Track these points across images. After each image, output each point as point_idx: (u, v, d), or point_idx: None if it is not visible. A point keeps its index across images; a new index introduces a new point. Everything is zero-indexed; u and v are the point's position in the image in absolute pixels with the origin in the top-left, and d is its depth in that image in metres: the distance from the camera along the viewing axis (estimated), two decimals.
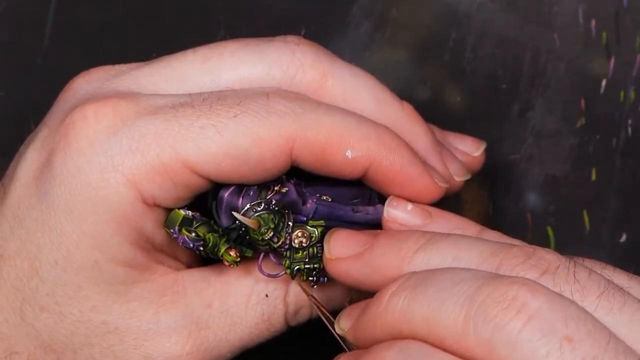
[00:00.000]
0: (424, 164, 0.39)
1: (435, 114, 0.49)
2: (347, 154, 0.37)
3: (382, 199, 0.39)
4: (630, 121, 0.50)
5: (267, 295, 0.39)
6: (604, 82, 0.49)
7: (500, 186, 0.50)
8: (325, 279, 0.38)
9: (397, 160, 0.38)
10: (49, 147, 0.38)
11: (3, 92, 0.49)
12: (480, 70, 0.49)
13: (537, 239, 0.51)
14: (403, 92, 0.49)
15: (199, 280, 0.39)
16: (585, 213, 0.50)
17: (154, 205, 0.37)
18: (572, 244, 0.51)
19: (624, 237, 0.51)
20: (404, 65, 0.49)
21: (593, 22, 0.49)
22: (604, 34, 0.49)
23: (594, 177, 0.50)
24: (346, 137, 0.37)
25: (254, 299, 0.39)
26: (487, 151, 0.47)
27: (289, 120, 0.37)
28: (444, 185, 0.40)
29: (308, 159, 0.37)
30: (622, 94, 0.49)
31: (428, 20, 0.49)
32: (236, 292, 0.39)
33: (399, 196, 0.39)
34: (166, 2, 0.49)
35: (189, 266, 0.40)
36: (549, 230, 0.51)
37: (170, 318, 0.38)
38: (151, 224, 0.37)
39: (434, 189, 0.39)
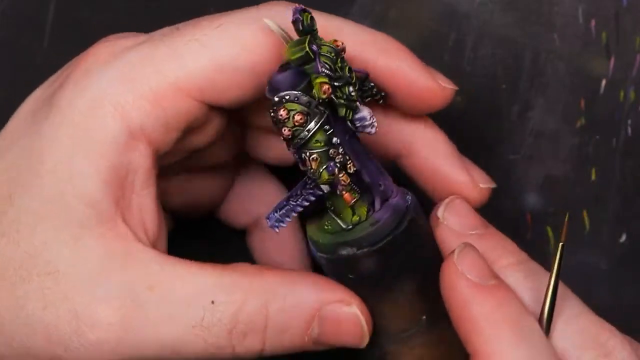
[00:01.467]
0: (427, 67, 0.38)
1: (435, 114, 0.49)
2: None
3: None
4: (630, 121, 0.50)
5: (212, 302, 0.36)
6: (603, 82, 0.49)
7: (500, 186, 0.50)
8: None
9: (393, 61, 0.37)
10: (54, 85, 0.38)
11: (3, 92, 0.49)
12: (480, 70, 0.49)
13: (537, 239, 0.51)
14: None
15: (152, 260, 0.36)
16: (585, 213, 0.50)
17: (143, 139, 0.36)
18: (572, 244, 0.51)
19: (624, 237, 0.51)
20: None
21: (593, 22, 0.49)
22: (604, 34, 0.49)
23: (593, 177, 0.50)
24: (338, 35, 0.36)
25: (200, 299, 0.36)
26: (487, 151, 0.47)
27: (277, 19, 0.36)
28: (450, 87, 0.39)
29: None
30: (621, 93, 0.49)
31: (428, 20, 0.49)
32: (183, 286, 0.36)
33: (402, 104, 0.38)
34: (166, 1, 0.49)
35: (154, 246, 0.38)
36: (549, 230, 0.51)
37: (108, 284, 0.35)
38: (133, 164, 0.36)
39: (438, 90, 0.38)
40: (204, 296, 0.36)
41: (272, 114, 0.35)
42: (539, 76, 0.49)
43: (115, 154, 0.36)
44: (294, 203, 0.36)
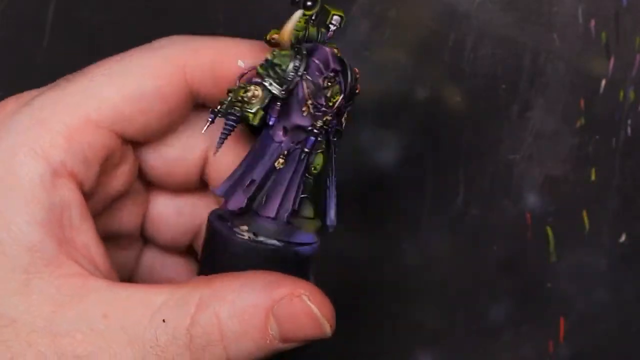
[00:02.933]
0: None
1: (435, 114, 0.49)
2: (239, 63, 0.37)
3: None
4: (629, 121, 0.50)
5: (164, 321, 0.35)
6: (603, 82, 0.49)
7: (500, 186, 0.50)
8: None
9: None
10: None
11: (3, 92, 0.49)
12: (480, 70, 0.49)
13: (537, 239, 0.51)
14: (403, 92, 0.50)
15: (104, 288, 0.36)
16: (584, 213, 0.50)
17: (67, 175, 0.36)
18: (571, 244, 0.51)
19: (623, 237, 0.51)
20: (403, 65, 0.49)
21: (593, 22, 0.49)
22: (604, 34, 0.49)
23: (593, 177, 0.50)
24: (234, 48, 0.37)
25: (152, 320, 0.35)
26: (487, 151, 0.47)
27: (176, 48, 0.37)
28: None
29: (204, 80, 0.37)
30: (621, 93, 0.49)
31: (428, 20, 0.49)
32: (136, 309, 0.36)
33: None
34: (166, 2, 0.49)
35: (105, 276, 0.37)
36: (549, 230, 0.51)
37: (66, 320, 0.35)
38: (65, 201, 0.36)
39: None
40: (156, 316, 0.35)
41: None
42: (538, 76, 0.49)
43: (45, 194, 0.36)
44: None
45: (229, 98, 0.36)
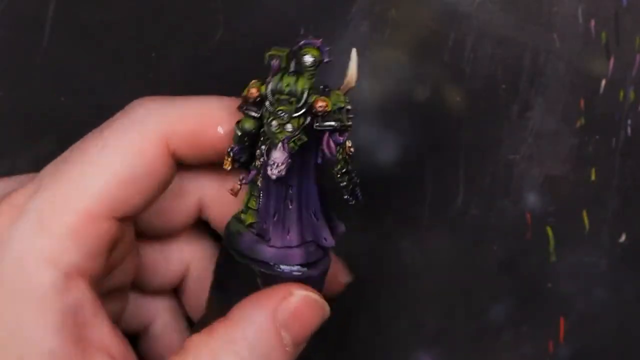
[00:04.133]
0: None
1: (435, 114, 0.49)
2: (218, 130, 0.38)
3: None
4: (629, 121, 0.50)
5: None
6: (603, 82, 0.49)
7: (500, 186, 0.50)
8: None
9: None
10: None
11: (3, 92, 0.49)
12: (479, 70, 0.49)
13: (537, 239, 0.51)
14: (402, 92, 0.50)
15: None
16: (584, 213, 0.50)
17: (78, 275, 0.36)
18: (571, 244, 0.51)
19: (623, 237, 0.51)
20: (403, 65, 0.49)
21: (592, 22, 0.49)
22: (604, 34, 0.49)
23: (593, 177, 0.50)
24: (213, 115, 0.38)
25: None
26: (487, 151, 0.47)
27: (155, 120, 0.37)
28: None
29: (186, 149, 0.38)
30: (621, 93, 0.49)
31: (427, 20, 0.49)
32: None
33: None
34: (166, 1, 0.49)
35: None
36: (549, 230, 0.51)
37: None
38: (78, 301, 0.36)
39: None
40: None
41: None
42: (538, 76, 0.49)
43: (59, 299, 0.36)
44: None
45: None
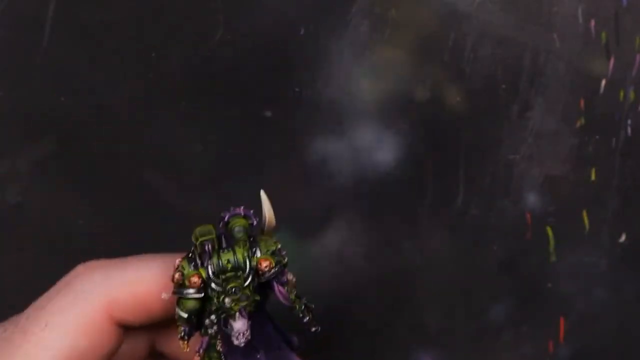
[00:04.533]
0: None
1: (435, 114, 0.49)
2: (162, 296, 0.37)
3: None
4: (629, 121, 0.50)
5: None
6: (603, 82, 0.49)
7: (500, 186, 0.50)
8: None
9: None
10: None
11: (3, 92, 0.49)
12: (479, 70, 0.49)
13: (537, 239, 0.51)
14: (403, 93, 0.50)
15: None
16: (584, 213, 0.50)
17: None
18: (571, 244, 0.51)
19: (623, 237, 0.51)
20: (403, 65, 0.49)
21: (592, 22, 0.49)
22: (604, 34, 0.49)
23: (593, 177, 0.50)
24: (156, 281, 0.37)
25: None
26: (487, 151, 0.47)
27: (98, 291, 0.37)
28: None
29: (131, 317, 0.38)
30: (621, 93, 0.49)
31: (427, 20, 0.49)
32: None
33: None
34: (166, 1, 0.49)
35: None
36: (549, 230, 0.51)
37: None
38: None
39: None
40: None
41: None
42: (538, 76, 0.49)
43: None
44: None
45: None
